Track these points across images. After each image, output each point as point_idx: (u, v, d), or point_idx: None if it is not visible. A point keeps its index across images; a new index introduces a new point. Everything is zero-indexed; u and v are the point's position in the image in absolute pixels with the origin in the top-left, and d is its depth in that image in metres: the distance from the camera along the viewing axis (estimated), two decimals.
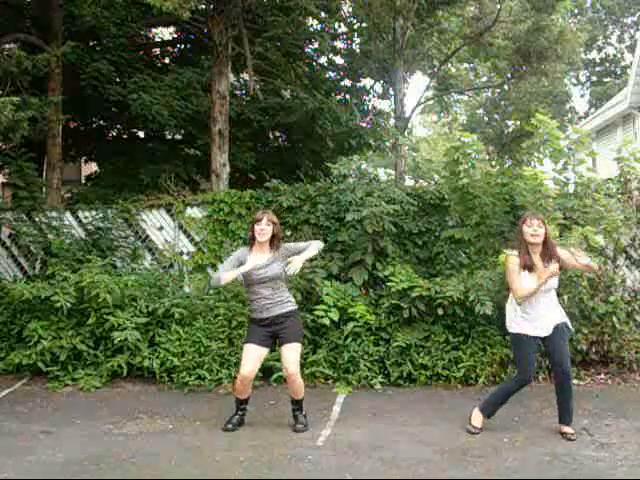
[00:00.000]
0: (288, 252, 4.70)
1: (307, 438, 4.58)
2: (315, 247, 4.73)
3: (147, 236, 7.65)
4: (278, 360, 5.92)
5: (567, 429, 4.49)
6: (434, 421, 4.96)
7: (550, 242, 4.46)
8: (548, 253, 4.40)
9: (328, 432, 4.71)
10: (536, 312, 4.44)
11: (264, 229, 4.66)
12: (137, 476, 3.97)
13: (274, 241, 4.73)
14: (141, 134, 13.03)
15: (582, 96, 35.82)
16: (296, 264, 4.56)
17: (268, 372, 5.94)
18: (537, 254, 4.43)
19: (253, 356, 4.63)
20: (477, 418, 4.64)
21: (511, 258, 4.49)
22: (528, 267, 4.39)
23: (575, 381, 5.89)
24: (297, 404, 4.82)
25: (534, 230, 4.37)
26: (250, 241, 4.78)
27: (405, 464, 4.10)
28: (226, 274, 4.61)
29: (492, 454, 4.24)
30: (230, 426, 4.78)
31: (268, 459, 4.19)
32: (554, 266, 4.34)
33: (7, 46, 8.93)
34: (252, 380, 4.72)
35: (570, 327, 4.61)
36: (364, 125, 13.67)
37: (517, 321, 4.51)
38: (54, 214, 7.70)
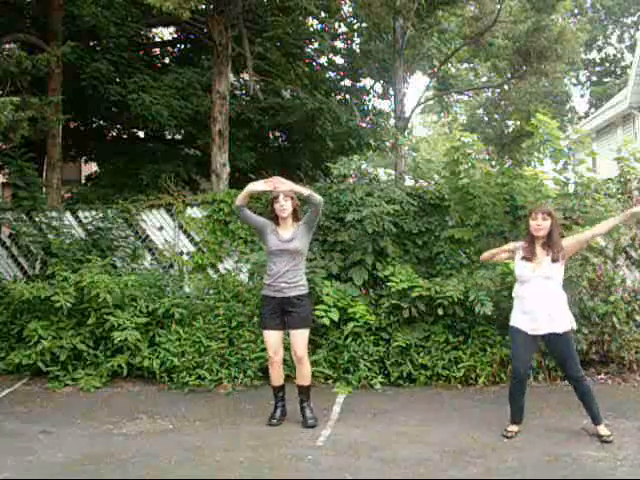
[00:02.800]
0: (304, 223, 4.75)
1: (307, 438, 4.58)
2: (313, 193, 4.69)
3: (147, 236, 7.65)
4: None
5: (601, 430, 4.47)
6: (434, 421, 4.96)
7: (555, 234, 4.49)
8: (549, 244, 4.47)
9: (328, 432, 4.71)
10: (531, 303, 4.46)
11: (284, 205, 4.67)
12: (137, 476, 3.96)
13: (296, 215, 4.77)
14: (141, 134, 13.04)
15: (582, 96, 35.84)
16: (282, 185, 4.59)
17: (268, 372, 5.92)
18: (539, 245, 4.53)
19: (273, 342, 4.78)
20: (509, 425, 4.66)
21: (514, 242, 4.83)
22: (527, 258, 4.54)
23: None
24: (305, 393, 4.85)
25: (537, 224, 4.48)
26: (274, 218, 4.79)
27: (405, 464, 4.10)
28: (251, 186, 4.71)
29: (492, 454, 4.24)
30: (274, 421, 4.85)
31: (268, 459, 4.19)
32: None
33: (7, 46, 8.93)
34: (281, 362, 4.87)
35: (574, 326, 4.58)
36: (364, 125, 13.67)
37: (514, 313, 4.61)
38: (54, 214, 7.68)
